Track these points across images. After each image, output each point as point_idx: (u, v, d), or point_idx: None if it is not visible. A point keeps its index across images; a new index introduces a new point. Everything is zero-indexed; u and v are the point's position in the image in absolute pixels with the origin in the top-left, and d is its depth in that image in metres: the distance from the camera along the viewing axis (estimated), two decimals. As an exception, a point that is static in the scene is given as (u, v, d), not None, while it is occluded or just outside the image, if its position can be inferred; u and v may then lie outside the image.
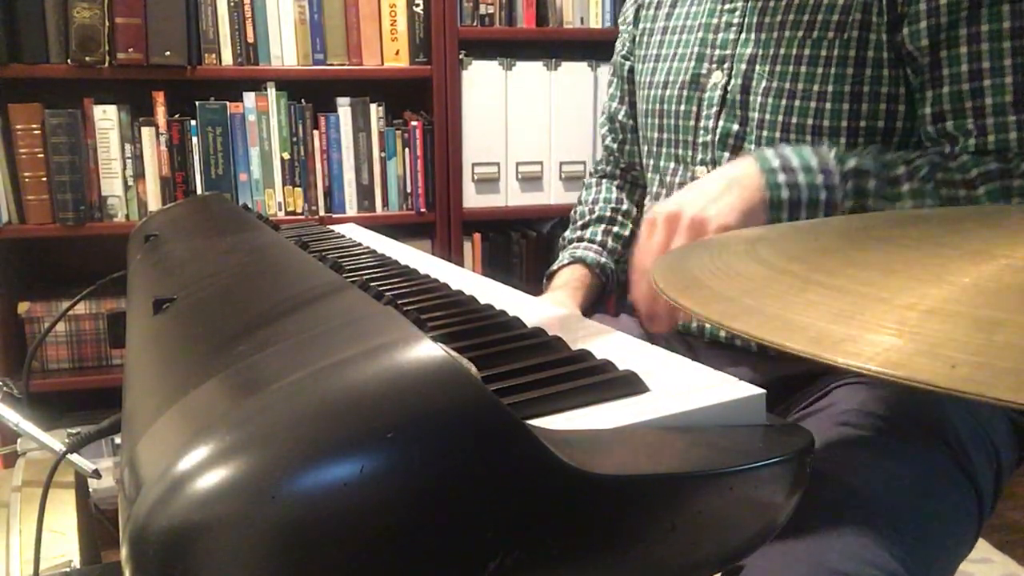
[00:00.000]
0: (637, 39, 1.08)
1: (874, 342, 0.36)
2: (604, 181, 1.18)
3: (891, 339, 0.36)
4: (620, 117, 1.14)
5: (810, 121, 0.86)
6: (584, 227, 1.13)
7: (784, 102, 0.87)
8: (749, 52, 0.91)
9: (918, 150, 0.82)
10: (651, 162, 1.05)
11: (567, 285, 1.04)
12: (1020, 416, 0.84)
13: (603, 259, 1.07)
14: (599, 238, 1.10)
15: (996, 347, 0.34)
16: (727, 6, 0.94)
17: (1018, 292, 0.39)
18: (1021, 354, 0.33)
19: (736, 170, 0.78)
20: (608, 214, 1.12)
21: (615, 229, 1.11)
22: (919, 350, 0.35)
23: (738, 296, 0.45)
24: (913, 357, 0.34)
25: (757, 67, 0.90)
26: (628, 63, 1.12)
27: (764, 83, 0.89)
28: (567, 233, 1.15)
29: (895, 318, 0.38)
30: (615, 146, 1.16)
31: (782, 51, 0.88)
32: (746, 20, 0.92)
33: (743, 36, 0.92)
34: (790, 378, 0.86)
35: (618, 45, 1.14)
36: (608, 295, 1.13)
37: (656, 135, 1.02)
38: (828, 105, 0.85)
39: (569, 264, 1.07)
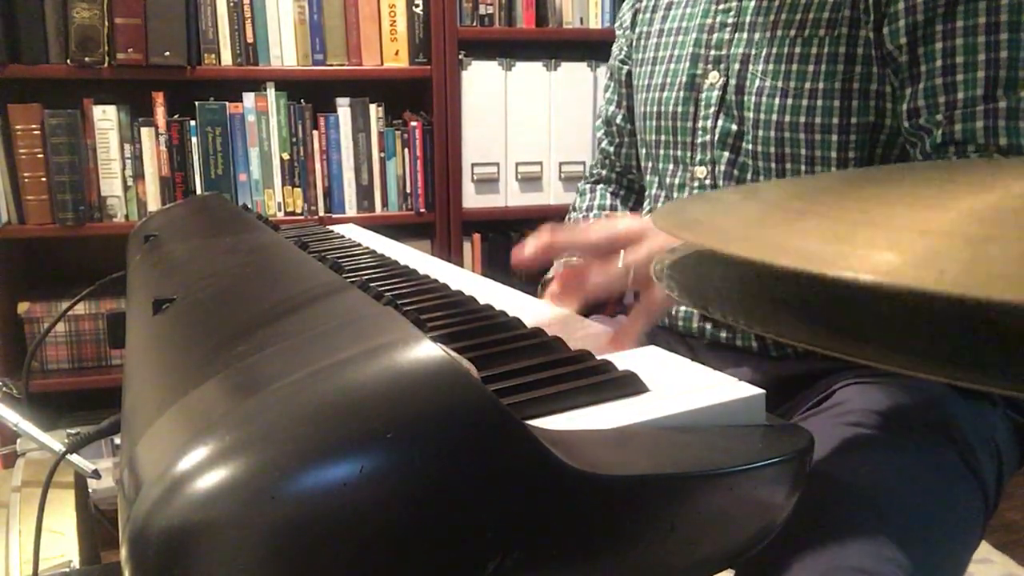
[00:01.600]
0: (634, 43, 1.08)
1: (865, 257, 0.36)
2: (599, 187, 1.18)
3: (883, 255, 0.36)
4: (618, 121, 1.14)
5: (802, 119, 0.86)
6: None
7: (777, 101, 0.87)
8: (743, 52, 0.91)
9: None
10: (650, 164, 1.05)
11: None
12: (1021, 416, 0.84)
13: None
14: None
15: (986, 257, 0.34)
16: (722, 6, 0.94)
17: (1013, 213, 0.38)
18: (1013, 260, 0.33)
19: None
20: None
21: None
22: (909, 262, 0.35)
23: (735, 227, 0.45)
24: (903, 268, 0.34)
25: (751, 67, 0.90)
26: (626, 67, 1.12)
27: (758, 82, 0.89)
28: None
29: (889, 238, 0.38)
30: (611, 149, 1.16)
31: (774, 50, 0.88)
32: (740, 20, 0.92)
33: (737, 36, 0.92)
34: (792, 378, 0.86)
35: (615, 49, 1.14)
36: (604, 305, 1.12)
37: (654, 137, 1.02)
38: (819, 102, 0.85)
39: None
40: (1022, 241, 0.35)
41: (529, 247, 0.70)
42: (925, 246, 0.36)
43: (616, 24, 1.15)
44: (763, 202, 0.49)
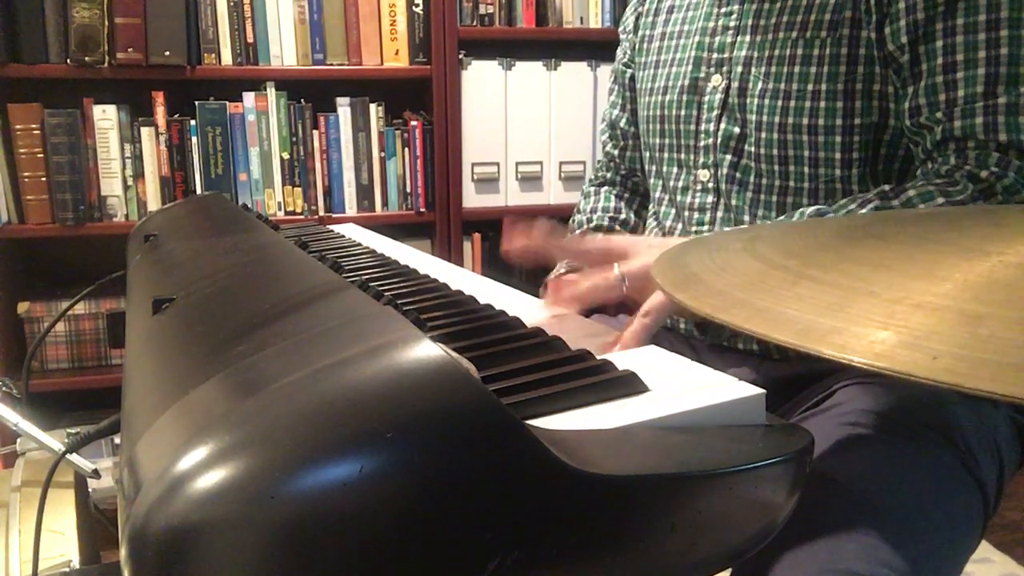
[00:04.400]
0: (637, 46, 1.09)
1: (860, 334, 0.37)
2: (603, 190, 1.18)
3: (877, 332, 0.36)
4: (622, 124, 1.14)
5: (805, 120, 0.86)
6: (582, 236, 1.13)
7: (780, 103, 0.87)
8: (744, 54, 0.91)
9: (860, 194, 0.82)
10: (653, 168, 1.05)
11: None
12: (1022, 416, 0.84)
13: None
14: None
15: (979, 339, 0.34)
16: (724, 9, 0.94)
17: (1006, 287, 0.39)
18: (1002, 346, 0.33)
19: None
20: (606, 223, 1.13)
21: None
22: (903, 342, 0.35)
23: (731, 290, 0.45)
24: (897, 349, 0.35)
25: (753, 69, 0.90)
26: (629, 71, 1.12)
27: (760, 85, 0.89)
28: None
29: (883, 312, 0.38)
30: (616, 152, 1.16)
31: (776, 52, 0.88)
32: (742, 23, 0.92)
33: (739, 39, 0.92)
34: (793, 379, 0.86)
35: (619, 53, 1.15)
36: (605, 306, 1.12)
37: (658, 140, 1.02)
38: (822, 103, 0.85)
39: (566, 274, 1.07)
40: (1013, 323, 0.35)
41: (518, 243, 0.71)
42: (919, 323, 0.36)
43: (620, 28, 1.15)
44: (760, 259, 0.49)
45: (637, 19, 1.09)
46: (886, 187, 0.81)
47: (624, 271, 0.73)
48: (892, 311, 0.38)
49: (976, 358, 0.33)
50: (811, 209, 0.81)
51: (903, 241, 0.50)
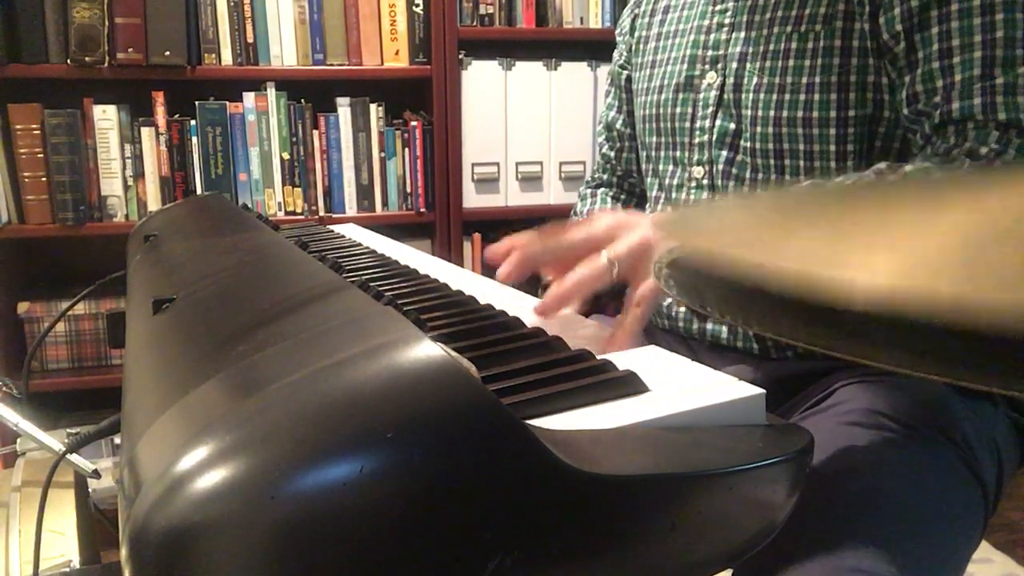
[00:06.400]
0: (634, 47, 1.09)
1: (863, 261, 0.37)
2: (600, 192, 1.18)
3: (879, 257, 0.37)
4: (618, 126, 1.15)
5: (800, 114, 0.86)
6: None
7: (775, 97, 0.88)
8: (739, 51, 0.91)
9: (855, 173, 0.82)
10: (650, 167, 1.05)
11: None
12: (1020, 416, 0.84)
13: None
14: None
15: (982, 263, 0.34)
16: (718, 7, 0.95)
17: (1013, 221, 0.39)
18: (1008, 271, 0.33)
19: None
20: None
21: None
22: (907, 269, 0.35)
23: (733, 232, 0.45)
24: (901, 273, 0.35)
25: (748, 65, 0.90)
26: (626, 72, 1.12)
27: (755, 80, 0.89)
28: None
29: (886, 243, 0.39)
30: (612, 154, 1.17)
31: (771, 47, 0.88)
32: (736, 19, 0.93)
33: (734, 36, 0.92)
34: (792, 378, 0.86)
35: (615, 55, 1.15)
36: (604, 305, 1.12)
37: (654, 139, 1.02)
38: (817, 96, 0.85)
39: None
40: (1018, 251, 0.35)
41: (503, 269, 0.70)
42: (922, 253, 0.37)
43: (616, 30, 1.15)
44: (759, 214, 0.50)
45: (633, 21, 1.10)
46: (882, 165, 0.81)
47: (612, 256, 0.71)
48: (894, 244, 0.38)
49: (980, 275, 0.33)
50: (806, 183, 0.81)
51: (904, 193, 0.51)
